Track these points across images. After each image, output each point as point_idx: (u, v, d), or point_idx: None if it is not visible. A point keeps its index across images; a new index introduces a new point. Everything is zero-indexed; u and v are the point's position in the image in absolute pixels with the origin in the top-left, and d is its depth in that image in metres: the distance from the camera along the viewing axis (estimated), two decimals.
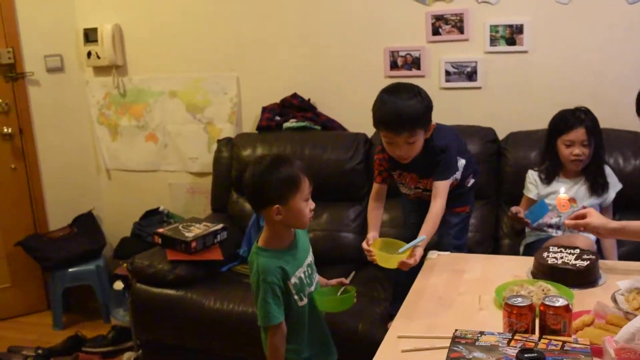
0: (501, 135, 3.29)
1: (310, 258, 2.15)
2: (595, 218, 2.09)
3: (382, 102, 2.34)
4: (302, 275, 2.06)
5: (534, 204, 2.76)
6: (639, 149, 2.94)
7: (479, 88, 3.42)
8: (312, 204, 2.05)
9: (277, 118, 3.71)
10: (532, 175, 2.93)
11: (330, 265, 3.21)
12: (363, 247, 2.34)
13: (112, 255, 4.12)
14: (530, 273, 2.09)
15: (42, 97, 4.15)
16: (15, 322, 4.16)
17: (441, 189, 2.49)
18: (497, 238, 3.12)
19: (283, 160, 2.01)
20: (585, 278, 1.98)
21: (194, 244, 3.13)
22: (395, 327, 1.82)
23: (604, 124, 2.85)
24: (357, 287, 2.86)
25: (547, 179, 2.86)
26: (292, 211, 1.98)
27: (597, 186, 2.77)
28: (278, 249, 2.04)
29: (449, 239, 2.65)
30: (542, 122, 2.97)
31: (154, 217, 4.03)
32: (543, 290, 1.87)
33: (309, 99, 3.72)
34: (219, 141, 3.81)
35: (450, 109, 3.44)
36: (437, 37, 3.43)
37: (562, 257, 2.05)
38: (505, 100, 3.38)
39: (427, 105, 2.36)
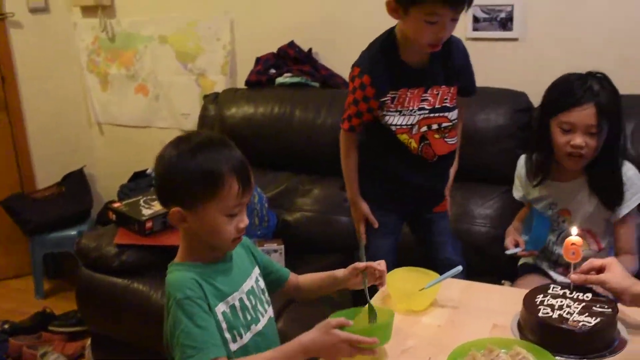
0: (538, 102, 2.55)
1: (252, 283, 1.50)
2: (615, 276, 1.41)
3: None
4: (238, 304, 1.44)
5: (529, 220, 2.04)
6: None
7: (515, 39, 2.69)
8: (242, 221, 1.39)
9: (272, 71, 3.11)
10: (520, 166, 2.12)
11: (320, 254, 2.69)
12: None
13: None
14: (517, 325, 1.44)
15: (25, 41, 3.73)
16: None
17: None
18: None
19: (212, 147, 1.37)
20: (592, 344, 1.31)
21: (149, 224, 2.63)
22: None
23: None
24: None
25: (535, 176, 2.02)
26: (203, 223, 1.36)
27: (605, 196, 1.93)
28: (197, 262, 1.42)
29: (445, 250, 2.03)
30: None
31: (141, 180, 3.57)
32: None
33: (310, 49, 3.08)
34: (205, 97, 3.27)
35: (477, 65, 2.71)
36: None
37: (561, 307, 1.38)
38: (548, 57, 2.63)
39: None
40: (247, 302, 1.46)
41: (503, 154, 2.44)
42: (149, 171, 3.58)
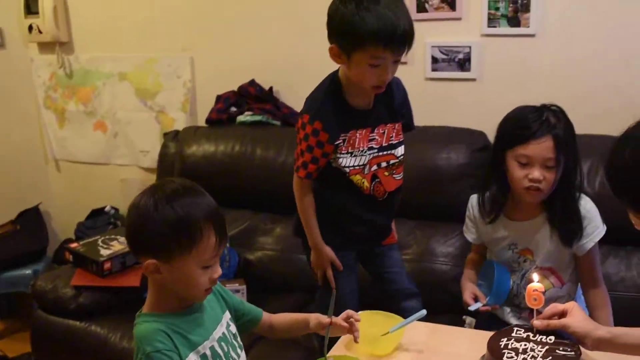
0: None
1: (223, 329, 1.47)
2: (577, 320, 1.43)
3: (371, 11, 1.70)
4: (209, 353, 1.40)
5: (487, 271, 1.99)
6: None
7: (473, 80, 2.75)
8: (216, 272, 1.37)
9: (233, 109, 3.11)
10: (472, 206, 2.06)
11: (283, 293, 2.67)
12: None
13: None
14: None
15: None
16: None
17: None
18: None
19: (188, 197, 1.33)
20: None
21: (107, 265, 2.58)
22: None
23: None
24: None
25: (490, 213, 1.97)
26: (178, 275, 1.33)
27: (566, 231, 1.89)
28: (166, 313, 1.38)
29: (401, 280, 2.04)
30: None
31: (99, 217, 3.51)
32: None
33: (271, 87, 3.09)
34: (165, 135, 3.25)
35: (436, 105, 2.80)
36: (422, 15, 2.74)
37: (525, 350, 1.39)
38: (505, 97, 2.66)
39: None
40: (219, 350, 1.43)
41: (462, 192, 2.46)
42: (107, 209, 3.52)
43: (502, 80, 2.70)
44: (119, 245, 2.69)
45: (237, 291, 2.49)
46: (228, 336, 1.47)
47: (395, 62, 1.79)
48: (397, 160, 1.99)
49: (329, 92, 1.91)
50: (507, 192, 1.93)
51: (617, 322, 1.65)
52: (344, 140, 1.91)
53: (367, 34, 1.70)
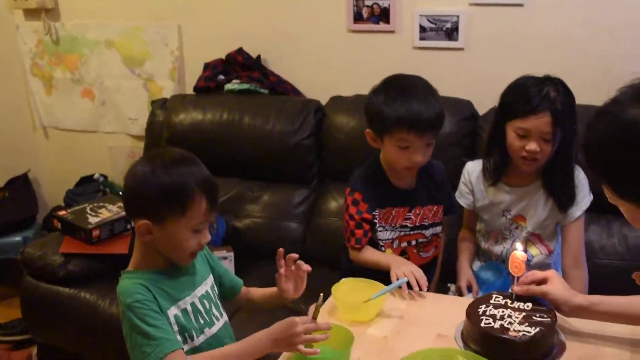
0: (483, 110, 2.61)
1: (207, 288, 1.56)
2: (556, 288, 1.47)
3: (397, 101, 1.88)
4: (190, 308, 1.48)
5: (484, 269, 2.05)
6: None
7: (461, 49, 2.75)
8: (205, 237, 1.46)
9: (221, 77, 3.10)
10: (468, 172, 2.14)
11: (271, 260, 2.65)
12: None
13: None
14: (460, 336, 1.48)
15: None
16: None
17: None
18: None
19: (184, 165, 1.42)
20: (532, 352, 1.36)
21: (96, 232, 2.59)
22: None
23: None
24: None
25: (492, 177, 2.04)
26: (168, 237, 1.42)
27: (560, 198, 1.96)
28: (149, 269, 1.47)
29: None
30: None
31: (88, 184, 3.51)
32: None
33: (259, 55, 3.08)
34: (153, 102, 3.23)
35: (424, 74, 2.69)
36: None
37: (503, 317, 1.42)
38: (492, 66, 2.70)
39: None
40: (200, 307, 1.51)
41: (450, 161, 2.47)
42: (96, 176, 3.53)
43: (489, 49, 2.70)
44: (107, 212, 2.71)
45: (225, 258, 2.51)
46: (212, 295, 1.56)
47: (428, 145, 1.92)
48: (425, 239, 2.08)
49: (372, 170, 2.05)
50: (508, 160, 1.98)
51: (598, 289, 1.69)
52: (379, 215, 2.00)
53: (391, 120, 1.86)
